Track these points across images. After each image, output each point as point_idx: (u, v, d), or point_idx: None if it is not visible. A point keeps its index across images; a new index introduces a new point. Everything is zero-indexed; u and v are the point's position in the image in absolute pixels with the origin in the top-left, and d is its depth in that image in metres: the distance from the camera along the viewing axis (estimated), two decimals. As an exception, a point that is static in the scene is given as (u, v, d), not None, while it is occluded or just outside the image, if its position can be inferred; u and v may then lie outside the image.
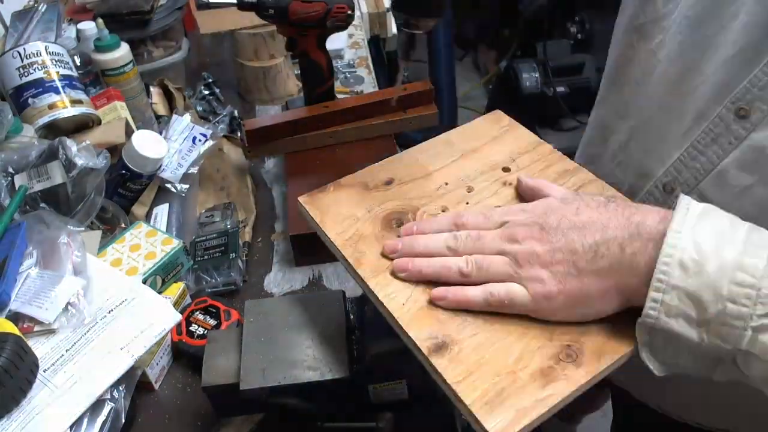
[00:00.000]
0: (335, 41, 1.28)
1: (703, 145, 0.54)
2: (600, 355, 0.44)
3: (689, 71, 0.55)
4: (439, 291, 0.48)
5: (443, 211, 0.56)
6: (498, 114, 0.66)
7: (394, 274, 0.50)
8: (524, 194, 0.55)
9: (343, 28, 0.90)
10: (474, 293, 0.47)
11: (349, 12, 0.87)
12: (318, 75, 0.94)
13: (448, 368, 0.44)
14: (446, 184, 0.58)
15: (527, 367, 0.43)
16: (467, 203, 0.56)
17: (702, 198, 0.54)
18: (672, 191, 0.58)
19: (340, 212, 0.56)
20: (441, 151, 0.62)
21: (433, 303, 0.48)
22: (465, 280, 0.48)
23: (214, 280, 0.78)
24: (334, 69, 0.96)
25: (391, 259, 0.51)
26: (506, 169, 0.59)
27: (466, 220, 0.51)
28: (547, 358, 0.44)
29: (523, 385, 0.42)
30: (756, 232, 0.41)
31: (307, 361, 0.56)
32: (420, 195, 0.58)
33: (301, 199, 0.59)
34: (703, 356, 0.41)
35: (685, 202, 0.42)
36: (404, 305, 0.48)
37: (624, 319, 0.46)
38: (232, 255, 0.79)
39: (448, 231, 0.51)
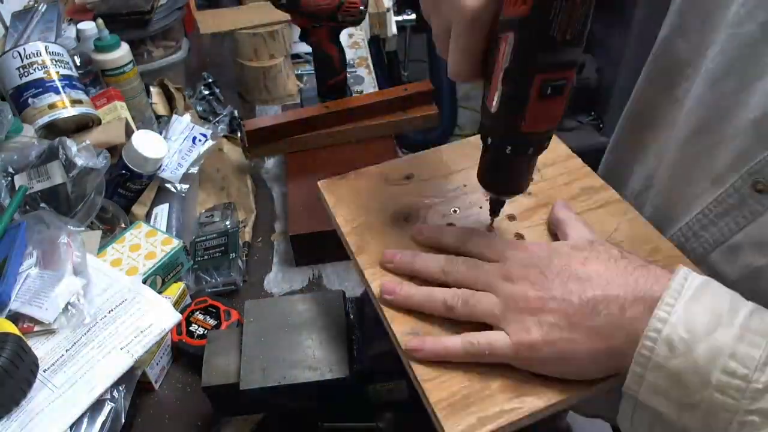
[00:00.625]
0: (335, 41, 1.28)
1: (715, 214, 0.49)
2: None
3: (706, 130, 0.49)
4: (415, 343, 0.45)
5: (454, 212, 0.55)
6: None
7: (381, 292, 0.48)
8: (551, 224, 0.52)
9: (356, 23, 0.91)
10: (453, 343, 0.44)
11: (362, 8, 0.88)
12: (330, 67, 0.95)
13: (420, 365, 0.44)
14: (465, 186, 0.58)
15: (500, 376, 0.43)
16: (480, 207, 0.56)
17: (711, 272, 0.47)
18: None
19: (354, 200, 0.57)
20: (469, 153, 0.60)
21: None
22: (449, 314, 0.45)
23: (214, 280, 0.78)
24: (347, 63, 0.97)
25: (386, 267, 0.51)
26: None
27: (471, 245, 0.49)
28: (523, 371, 0.43)
29: (492, 394, 0.42)
30: (758, 316, 0.37)
31: (307, 361, 0.56)
32: (435, 194, 0.57)
33: (320, 183, 0.59)
34: None
35: (683, 272, 0.39)
36: None
37: None
38: (232, 255, 0.79)
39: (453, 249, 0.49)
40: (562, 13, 0.35)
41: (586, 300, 0.41)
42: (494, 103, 0.41)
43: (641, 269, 0.41)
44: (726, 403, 0.35)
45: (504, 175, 0.47)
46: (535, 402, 0.42)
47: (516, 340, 0.42)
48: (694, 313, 0.37)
